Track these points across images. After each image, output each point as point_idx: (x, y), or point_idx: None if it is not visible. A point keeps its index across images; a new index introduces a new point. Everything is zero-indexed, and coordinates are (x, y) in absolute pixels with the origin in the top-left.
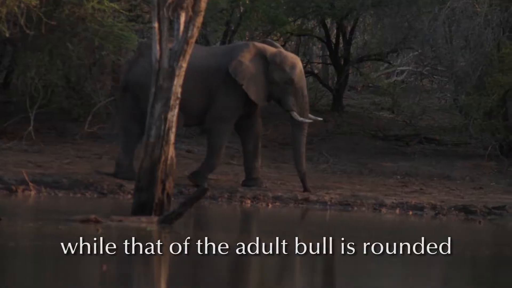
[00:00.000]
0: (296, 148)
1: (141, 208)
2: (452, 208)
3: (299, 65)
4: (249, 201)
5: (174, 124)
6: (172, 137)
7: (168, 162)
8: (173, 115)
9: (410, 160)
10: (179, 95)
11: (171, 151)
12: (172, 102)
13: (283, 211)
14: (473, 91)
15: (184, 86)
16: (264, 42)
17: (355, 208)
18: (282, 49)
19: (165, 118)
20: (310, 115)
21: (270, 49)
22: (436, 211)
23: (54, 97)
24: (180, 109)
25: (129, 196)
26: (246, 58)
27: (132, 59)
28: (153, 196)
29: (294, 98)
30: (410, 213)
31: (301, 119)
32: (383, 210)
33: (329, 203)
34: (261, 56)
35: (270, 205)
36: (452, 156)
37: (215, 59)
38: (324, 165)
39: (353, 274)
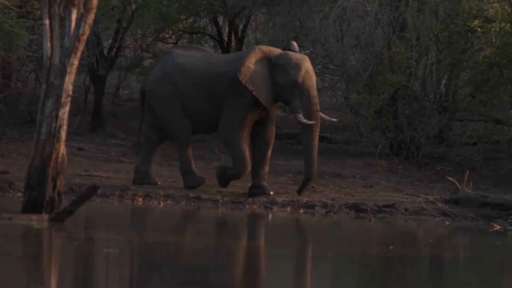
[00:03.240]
0: (305, 151)
1: (32, 206)
2: (343, 206)
3: (305, 65)
4: (141, 199)
5: (65, 122)
6: (63, 134)
7: (59, 159)
8: (64, 112)
9: (302, 158)
10: (70, 93)
11: (62, 149)
12: (63, 99)
13: (174, 209)
14: (363, 90)
15: (191, 93)
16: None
17: (247, 206)
18: (294, 52)
19: (56, 116)
20: (323, 115)
21: (275, 51)
22: (327, 209)
23: None
24: (189, 117)
25: (19, 194)
26: (253, 62)
27: (152, 66)
28: (44, 194)
29: (300, 100)
30: (301, 211)
31: (304, 120)
32: (275, 208)
33: (221, 201)
34: (266, 59)
35: (162, 203)
36: (343, 154)
37: (221, 65)
38: (217, 163)
39: (240, 270)
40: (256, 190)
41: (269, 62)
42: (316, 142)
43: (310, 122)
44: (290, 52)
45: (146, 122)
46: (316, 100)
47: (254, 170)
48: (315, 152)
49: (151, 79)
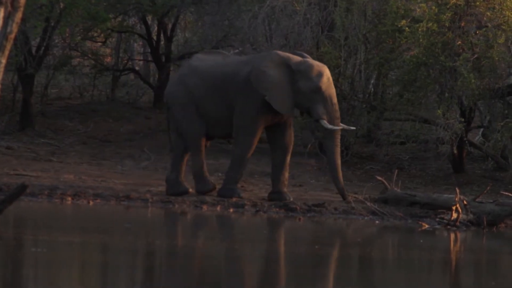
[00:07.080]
0: (330, 160)
1: None
2: (273, 205)
3: (327, 72)
4: (70, 199)
5: None
6: None
7: None
8: None
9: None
10: None
11: None
12: None
13: (103, 209)
14: None
15: (204, 95)
16: (294, 53)
17: (177, 205)
18: (309, 58)
19: None
20: (341, 124)
21: (294, 58)
22: (257, 208)
23: None
24: (204, 119)
25: None
26: (270, 67)
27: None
28: None
29: (323, 107)
30: (231, 210)
31: (330, 126)
32: (204, 207)
33: (150, 200)
34: (285, 65)
35: (91, 202)
36: None
37: (234, 66)
38: (146, 162)
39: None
40: (275, 196)
41: (288, 68)
42: (338, 149)
43: (336, 127)
44: (310, 59)
45: (171, 129)
46: (337, 107)
47: (273, 176)
48: (339, 159)
49: (169, 83)
